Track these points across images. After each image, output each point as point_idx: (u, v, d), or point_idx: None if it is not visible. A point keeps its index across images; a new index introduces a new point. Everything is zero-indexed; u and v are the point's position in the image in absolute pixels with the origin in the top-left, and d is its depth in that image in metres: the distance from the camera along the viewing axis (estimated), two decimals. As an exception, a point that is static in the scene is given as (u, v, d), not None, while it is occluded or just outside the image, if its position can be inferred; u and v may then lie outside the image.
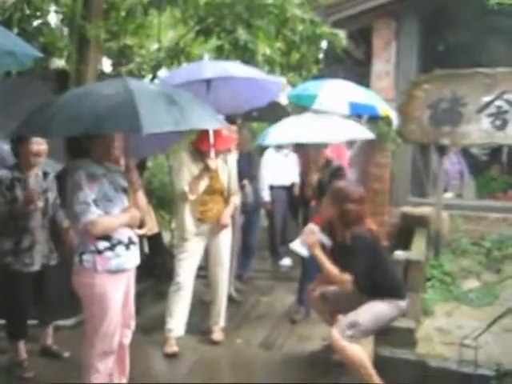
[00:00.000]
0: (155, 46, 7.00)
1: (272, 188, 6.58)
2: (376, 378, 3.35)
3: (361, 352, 3.39)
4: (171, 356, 4.08)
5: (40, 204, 3.63)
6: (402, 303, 3.51)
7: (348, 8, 6.99)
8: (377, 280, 3.48)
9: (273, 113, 6.77)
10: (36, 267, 3.70)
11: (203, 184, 4.07)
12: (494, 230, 6.72)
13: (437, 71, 5.95)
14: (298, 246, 3.90)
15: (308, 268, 4.92)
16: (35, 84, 4.50)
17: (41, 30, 5.49)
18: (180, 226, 4.19)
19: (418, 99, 5.87)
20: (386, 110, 5.12)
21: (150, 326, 4.52)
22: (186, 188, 3.99)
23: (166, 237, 6.67)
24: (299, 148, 4.56)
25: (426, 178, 7.78)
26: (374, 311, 3.45)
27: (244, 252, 5.85)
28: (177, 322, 4.18)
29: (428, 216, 6.47)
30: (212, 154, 3.94)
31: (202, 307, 4.83)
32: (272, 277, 6.51)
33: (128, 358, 3.29)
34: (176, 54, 6.38)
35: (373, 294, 3.50)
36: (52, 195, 3.81)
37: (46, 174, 3.80)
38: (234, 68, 4.37)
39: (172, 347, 4.12)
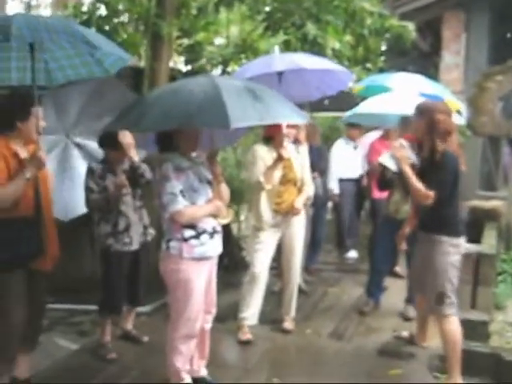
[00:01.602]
0: (223, 41, 7.12)
1: (340, 181, 6.63)
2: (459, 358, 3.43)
3: (457, 328, 3.48)
4: (245, 343, 4.22)
5: (128, 190, 3.86)
6: (460, 242, 3.54)
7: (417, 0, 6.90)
8: (442, 210, 3.47)
9: (343, 102, 6.79)
10: (135, 246, 3.96)
11: (278, 173, 4.15)
12: None
13: (510, 62, 5.80)
14: (386, 159, 3.89)
15: (376, 261, 4.98)
16: (113, 82, 4.69)
17: (117, 30, 5.74)
18: (256, 216, 4.28)
19: (489, 91, 5.76)
20: (454, 102, 5.06)
21: (221, 314, 4.61)
22: (262, 178, 4.09)
23: (234, 229, 6.82)
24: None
25: (496, 171, 7.60)
26: (442, 269, 3.47)
27: (312, 244, 5.92)
28: (251, 311, 4.30)
29: (498, 210, 6.35)
30: (285, 142, 4.02)
31: (271, 297, 4.92)
32: (338, 269, 6.56)
33: (208, 343, 3.45)
34: (244, 50, 6.49)
35: (431, 228, 3.55)
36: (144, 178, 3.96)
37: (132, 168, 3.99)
38: (304, 59, 4.44)
39: (246, 335, 4.25)
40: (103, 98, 4.68)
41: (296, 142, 4.50)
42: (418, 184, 3.44)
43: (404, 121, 4.40)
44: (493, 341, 4.01)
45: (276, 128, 4.01)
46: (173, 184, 2.98)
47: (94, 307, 4.21)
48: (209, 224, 3.12)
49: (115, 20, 5.67)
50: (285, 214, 4.28)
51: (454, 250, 3.49)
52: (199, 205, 3.07)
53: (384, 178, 4.56)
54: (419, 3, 6.98)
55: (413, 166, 3.58)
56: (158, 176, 3.06)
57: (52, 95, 4.57)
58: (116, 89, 4.77)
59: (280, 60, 4.41)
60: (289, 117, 3.14)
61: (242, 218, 7.26)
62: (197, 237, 3.07)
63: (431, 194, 3.39)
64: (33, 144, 3.11)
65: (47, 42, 3.31)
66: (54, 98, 4.63)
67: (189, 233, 3.05)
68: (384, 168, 4.65)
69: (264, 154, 4.16)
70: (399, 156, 3.62)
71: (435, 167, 3.42)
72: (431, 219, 3.56)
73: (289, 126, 4.12)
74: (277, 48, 4.69)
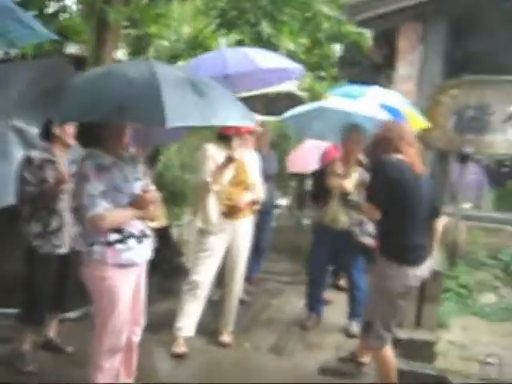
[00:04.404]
0: (174, 36, 6.85)
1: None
2: None
3: (389, 357, 3.19)
4: (179, 357, 3.92)
5: (68, 186, 3.51)
6: (409, 270, 3.04)
7: (375, 7, 6.79)
8: (389, 229, 3.08)
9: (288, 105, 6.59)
10: (65, 249, 3.62)
11: (228, 174, 3.91)
12: (511, 244, 6.52)
13: (465, 76, 5.76)
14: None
15: (313, 272, 4.78)
16: (61, 63, 4.29)
17: (58, 14, 5.36)
18: (203, 219, 4.00)
19: (444, 105, 5.71)
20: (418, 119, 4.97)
21: (155, 323, 4.33)
22: (209, 178, 3.83)
23: (175, 232, 6.51)
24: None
25: (444, 186, 7.56)
26: (377, 298, 3.13)
27: (256, 252, 5.68)
28: (188, 321, 4.02)
29: (445, 226, 6.27)
30: (236, 143, 3.80)
31: (209, 306, 4.62)
32: (282, 279, 6.34)
33: (135, 358, 3.15)
34: (195, 46, 6.25)
35: (381, 248, 3.15)
36: None
37: (73, 161, 3.67)
38: (257, 57, 4.25)
39: (180, 347, 3.96)
40: (48, 80, 4.26)
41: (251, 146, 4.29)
42: (364, 205, 3.22)
43: (347, 130, 4.26)
44: (438, 362, 3.85)
45: (235, 128, 3.79)
46: (92, 184, 2.65)
47: (14, 311, 3.80)
48: (136, 227, 2.82)
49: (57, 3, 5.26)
50: (234, 218, 4.02)
51: (396, 278, 3.06)
52: (123, 207, 2.75)
53: (320, 186, 4.44)
54: (376, 12, 6.88)
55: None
56: (77, 175, 2.74)
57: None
58: (63, 70, 4.35)
59: (232, 59, 4.18)
60: (237, 120, 2.82)
61: (187, 221, 6.95)
62: (123, 241, 2.76)
63: (372, 206, 3.12)
64: None
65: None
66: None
67: (114, 236, 2.74)
68: (319, 176, 4.51)
69: (215, 154, 3.90)
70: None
71: (372, 177, 3.17)
72: (378, 238, 3.28)
73: (246, 130, 3.90)
74: (224, 44, 4.50)
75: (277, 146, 6.85)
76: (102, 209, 2.64)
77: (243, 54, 4.36)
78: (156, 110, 2.29)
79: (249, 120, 2.88)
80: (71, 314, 4.30)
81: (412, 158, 3.08)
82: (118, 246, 2.74)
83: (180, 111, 2.37)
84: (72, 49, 5.90)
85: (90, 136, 2.77)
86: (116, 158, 2.80)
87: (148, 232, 2.92)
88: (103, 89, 2.45)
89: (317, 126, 4.72)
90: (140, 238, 2.83)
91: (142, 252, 2.86)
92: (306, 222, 11.27)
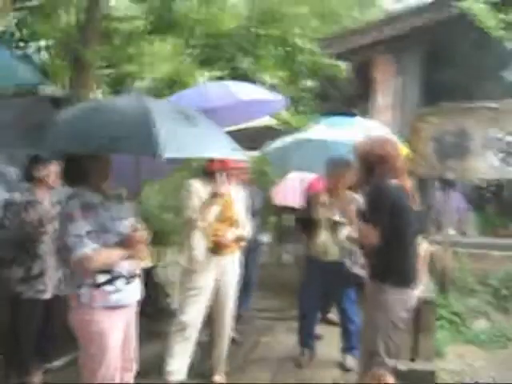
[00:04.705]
0: (151, 75, 6.83)
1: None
2: None
3: None
4: (172, 402, 3.74)
5: (51, 228, 3.43)
6: (409, 293, 3.11)
7: (349, 42, 6.90)
8: (389, 253, 3.06)
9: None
10: (49, 294, 3.49)
11: (215, 210, 3.81)
12: (498, 268, 6.50)
13: (442, 104, 5.83)
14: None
15: (304, 307, 4.66)
16: (40, 103, 4.19)
17: (33, 55, 5.31)
18: (189, 257, 3.87)
19: (423, 132, 5.75)
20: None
21: (143, 368, 4.11)
22: (194, 215, 3.72)
23: (159, 273, 6.34)
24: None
25: (427, 214, 7.57)
26: (379, 325, 3.05)
27: (244, 289, 5.55)
28: (178, 364, 3.84)
29: (433, 254, 6.24)
30: (222, 177, 3.70)
31: (198, 347, 4.46)
32: (270, 316, 6.19)
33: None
34: (172, 85, 6.23)
35: (376, 275, 3.15)
36: None
37: (58, 202, 3.58)
38: (240, 90, 4.22)
39: (172, 393, 3.77)
40: (29, 119, 4.15)
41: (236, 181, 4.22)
42: (361, 228, 3.14)
43: (331, 164, 4.23)
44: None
45: (221, 163, 3.71)
46: (78, 224, 2.54)
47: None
48: (124, 268, 2.70)
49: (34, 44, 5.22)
50: (221, 255, 3.91)
51: (399, 302, 3.08)
52: (110, 247, 2.62)
53: (306, 217, 4.40)
54: (351, 45, 6.98)
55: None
56: (63, 214, 2.63)
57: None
58: (44, 110, 4.26)
59: (212, 92, 4.15)
60: (229, 152, 2.77)
61: (166, 261, 6.79)
62: (111, 282, 2.63)
63: (372, 231, 3.04)
64: None
65: None
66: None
67: (101, 278, 2.61)
68: (308, 206, 4.46)
69: (200, 190, 3.80)
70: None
71: (370, 202, 3.13)
72: (376, 264, 3.21)
73: (232, 165, 3.84)
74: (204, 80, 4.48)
75: (256, 181, 6.78)
76: (89, 249, 2.52)
77: (224, 87, 4.32)
78: (150, 141, 2.22)
79: (237, 153, 2.81)
80: (56, 363, 4.09)
81: (406, 182, 3.11)
82: (107, 288, 2.61)
83: (174, 142, 2.29)
84: (47, 90, 5.83)
85: (77, 172, 2.66)
86: (102, 197, 2.70)
87: (137, 272, 2.79)
88: (95, 120, 2.38)
89: (299, 158, 4.67)
90: (129, 278, 2.71)
91: (131, 293, 2.74)
92: (287, 257, 11.23)
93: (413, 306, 3.25)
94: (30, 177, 3.50)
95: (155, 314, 5.62)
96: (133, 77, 6.26)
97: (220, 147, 2.61)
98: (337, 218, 4.17)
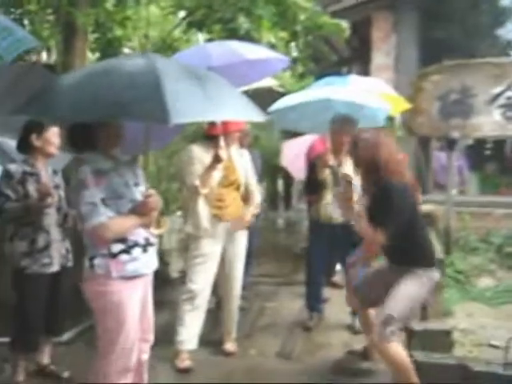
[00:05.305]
0: (143, 40, 6.61)
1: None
2: (415, 379, 3.05)
3: (402, 351, 3.07)
4: (185, 371, 3.68)
5: (55, 198, 3.29)
6: (435, 273, 3.23)
7: (345, -1, 6.71)
8: (408, 243, 3.18)
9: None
10: (55, 267, 3.35)
11: (216, 176, 3.69)
12: (500, 226, 6.51)
13: (445, 62, 5.70)
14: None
15: (312, 272, 4.62)
16: (37, 70, 3.93)
17: (22, 19, 5.09)
18: (194, 224, 3.78)
19: (426, 91, 5.62)
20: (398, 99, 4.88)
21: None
22: (197, 182, 3.61)
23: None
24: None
25: (426, 174, 7.52)
26: (406, 296, 3.11)
27: (246, 256, 5.48)
28: (190, 334, 3.78)
29: (434, 214, 6.20)
30: (222, 142, 3.58)
31: (207, 315, 4.42)
32: (274, 281, 6.16)
33: (146, 376, 2.89)
34: (164, 49, 6.03)
35: (402, 261, 3.22)
36: (63, 192, 3.47)
37: (55, 172, 3.49)
38: (244, 49, 4.08)
39: (185, 362, 3.72)
40: (24, 89, 3.96)
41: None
42: (366, 230, 3.14)
43: (336, 121, 4.12)
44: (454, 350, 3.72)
45: (222, 126, 3.59)
46: (91, 192, 2.42)
47: (6, 339, 3.48)
48: (140, 235, 2.59)
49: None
50: (227, 220, 3.82)
51: (428, 282, 3.19)
52: (125, 215, 2.51)
53: (312, 180, 4.34)
54: (347, 3, 6.79)
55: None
56: (74, 182, 2.49)
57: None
58: (40, 77, 4.05)
59: (215, 51, 3.99)
60: (244, 114, 2.61)
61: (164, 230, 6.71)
62: (127, 251, 2.52)
63: (379, 237, 3.08)
64: None
65: None
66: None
67: (117, 247, 2.50)
68: (313, 169, 4.36)
69: (201, 155, 3.68)
70: (346, 206, 3.39)
71: (379, 203, 3.12)
72: (399, 254, 3.24)
73: (234, 128, 3.71)
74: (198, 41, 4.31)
75: (255, 144, 6.67)
76: (105, 218, 2.41)
77: (226, 46, 4.17)
78: (158, 106, 2.07)
79: (257, 115, 2.60)
80: (64, 337, 4.01)
81: (406, 176, 3.21)
82: (123, 257, 2.50)
83: (182, 106, 2.14)
84: (36, 57, 5.63)
85: (85, 138, 2.53)
86: (113, 162, 2.57)
87: (152, 240, 2.68)
88: (100, 85, 2.21)
89: (301, 119, 4.53)
90: (145, 246, 2.60)
91: (147, 262, 2.63)
92: (280, 222, 11.20)
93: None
94: (25, 147, 3.31)
95: (156, 284, 5.54)
96: (124, 41, 6.04)
97: (236, 109, 2.46)
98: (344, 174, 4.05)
